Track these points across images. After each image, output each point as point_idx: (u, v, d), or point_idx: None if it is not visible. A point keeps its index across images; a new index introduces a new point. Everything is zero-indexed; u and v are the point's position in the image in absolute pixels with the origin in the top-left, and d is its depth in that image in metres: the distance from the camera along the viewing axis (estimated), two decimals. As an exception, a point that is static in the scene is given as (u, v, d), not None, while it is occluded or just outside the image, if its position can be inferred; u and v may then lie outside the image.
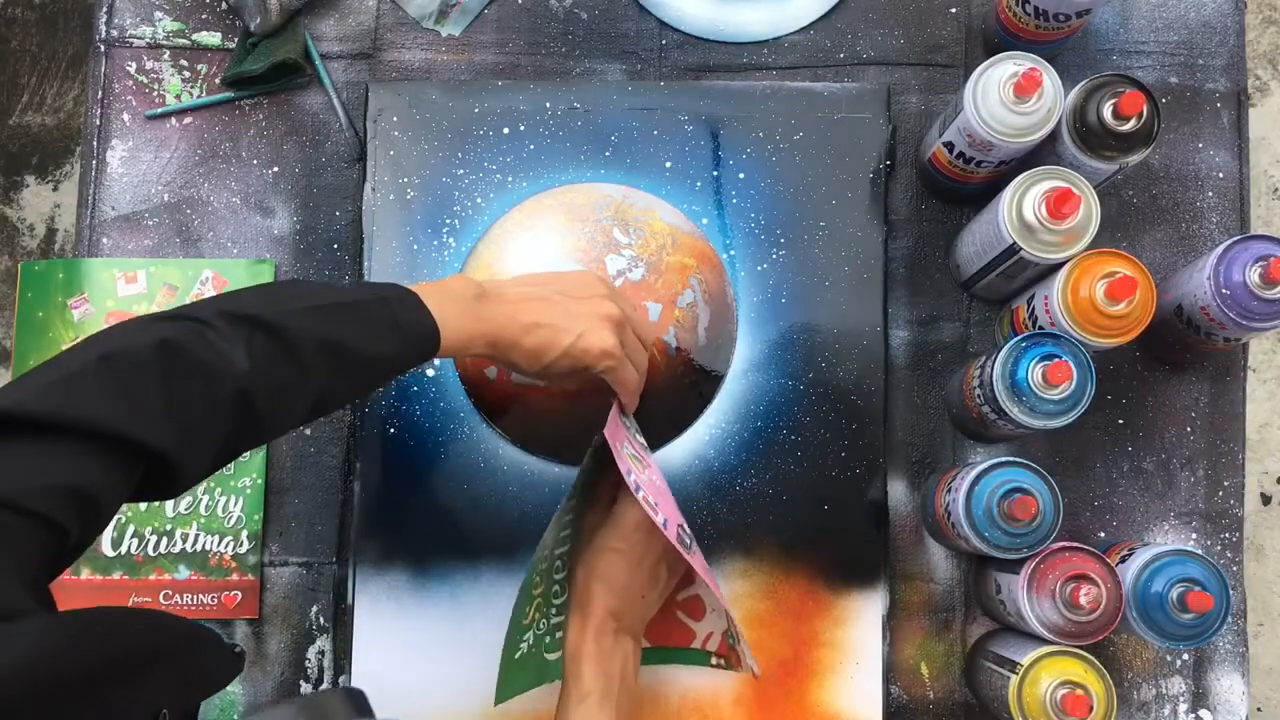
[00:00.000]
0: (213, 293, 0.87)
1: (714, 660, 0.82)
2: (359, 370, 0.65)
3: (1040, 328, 0.76)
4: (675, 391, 0.85)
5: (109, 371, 0.54)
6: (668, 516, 0.71)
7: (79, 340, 0.58)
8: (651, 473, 0.76)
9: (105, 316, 0.86)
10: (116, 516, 0.84)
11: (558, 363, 0.72)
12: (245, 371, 0.58)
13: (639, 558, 0.74)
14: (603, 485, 0.79)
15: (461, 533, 0.83)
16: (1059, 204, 0.72)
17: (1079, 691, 0.71)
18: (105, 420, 0.53)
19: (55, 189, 1.77)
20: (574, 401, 0.84)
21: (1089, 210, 0.73)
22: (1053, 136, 0.76)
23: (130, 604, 0.83)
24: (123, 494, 0.56)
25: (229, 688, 0.83)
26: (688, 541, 0.73)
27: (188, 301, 0.86)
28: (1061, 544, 0.74)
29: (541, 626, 0.79)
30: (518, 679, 0.79)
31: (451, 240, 0.87)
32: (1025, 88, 0.73)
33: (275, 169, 0.89)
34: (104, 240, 0.89)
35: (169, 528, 0.84)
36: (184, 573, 0.84)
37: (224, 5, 0.91)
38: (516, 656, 0.78)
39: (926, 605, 0.85)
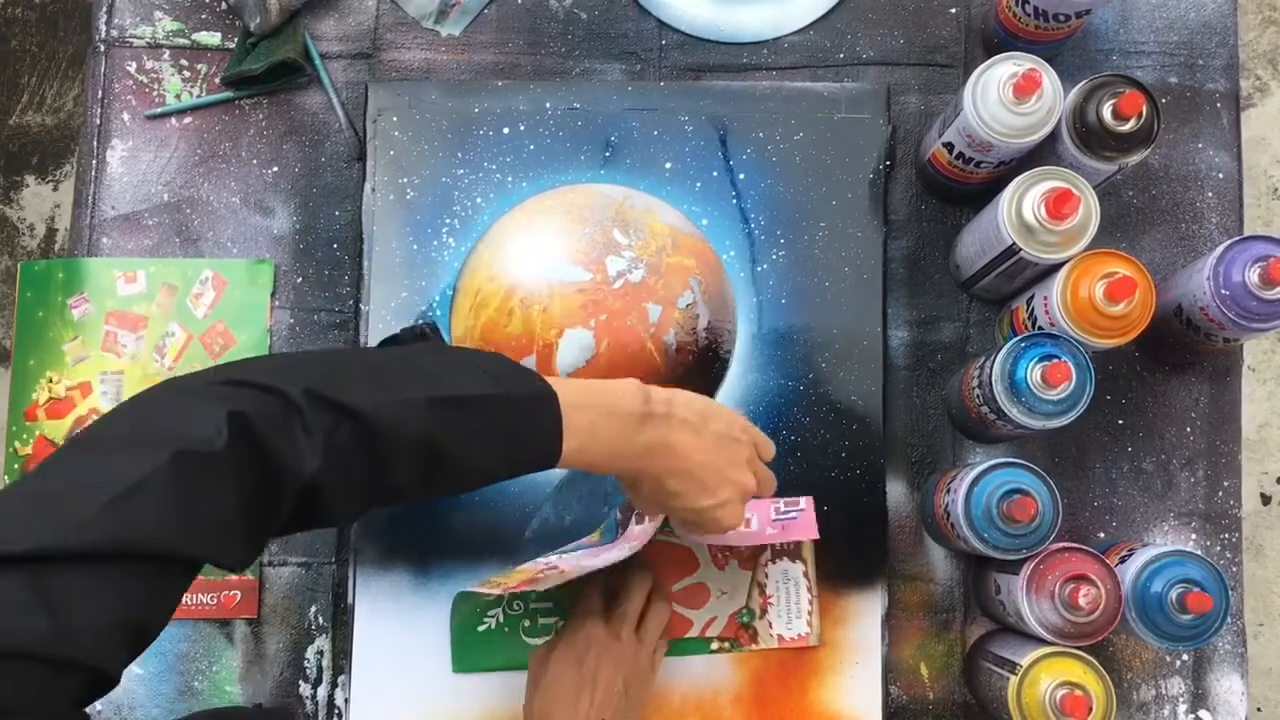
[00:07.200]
0: (212, 293, 0.86)
1: (714, 645, 0.82)
2: (449, 477, 0.59)
3: (1040, 328, 0.76)
4: (675, 392, 0.85)
5: (177, 481, 0.50)
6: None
7: (144, 408, 0.54)
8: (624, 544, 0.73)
9: (105, 316, 0.86)
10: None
11: (679, 511, 0.67)
12: (316, 470, 0.53)
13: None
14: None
15: (462, 533, 0.83)
16: (1058, 204, 0.71)
17: (1078, 692, 0.71)
18: (170, 544, 0.50)
19: (55, 189, 1.77)
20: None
21: (1088, 210, 0.73)
22: (1052, 137, 0.76)
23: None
24: (174, 605, 0.52)
25: (228, 689, 0.83)
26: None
27: (194, 304, 0.86)
28: (1061, 545, 0.74)
29: (516, 608, 0.80)
30: (483, 655, 0.81)
31: (451, 240, 0.87)
32: (1025, 88, 0.73)
33: (275, 169, 0.89)
34: (104, 240, 0.89)
35: (168, 528, 0.84)
36: (183, 573, 0.84)
37: (224, 5, 0.91)
38: (480, 629, 0.80)
39: (926, 606, 0.85)
